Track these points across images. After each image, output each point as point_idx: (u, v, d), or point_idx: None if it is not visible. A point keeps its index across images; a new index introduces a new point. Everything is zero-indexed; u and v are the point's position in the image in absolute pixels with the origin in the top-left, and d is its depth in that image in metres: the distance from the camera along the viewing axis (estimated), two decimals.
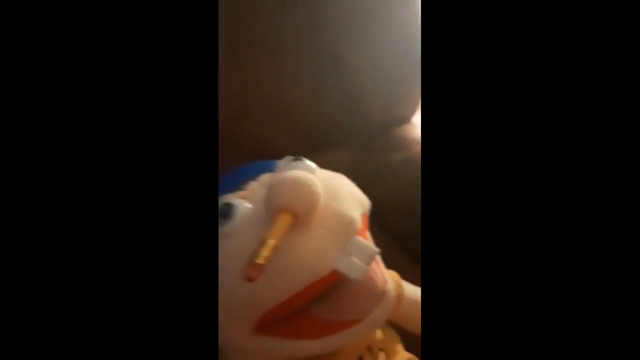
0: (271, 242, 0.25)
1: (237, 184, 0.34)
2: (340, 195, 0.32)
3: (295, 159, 0.35)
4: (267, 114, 0.57)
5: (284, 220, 0.27)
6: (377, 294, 0.30)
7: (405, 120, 0.72)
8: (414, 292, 0.46)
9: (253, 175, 0.35)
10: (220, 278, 0.28)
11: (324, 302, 0.30)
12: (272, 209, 0.28)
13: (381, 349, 0.39)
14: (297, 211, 0.28)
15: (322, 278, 0.28)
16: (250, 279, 0.24)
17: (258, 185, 0.34)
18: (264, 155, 0.62)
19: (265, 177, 0.35)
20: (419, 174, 0.60)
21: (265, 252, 0.25)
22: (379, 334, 0.39)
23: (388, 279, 0.32)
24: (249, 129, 0.57)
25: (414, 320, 0.44)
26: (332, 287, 0.30)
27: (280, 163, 0.36)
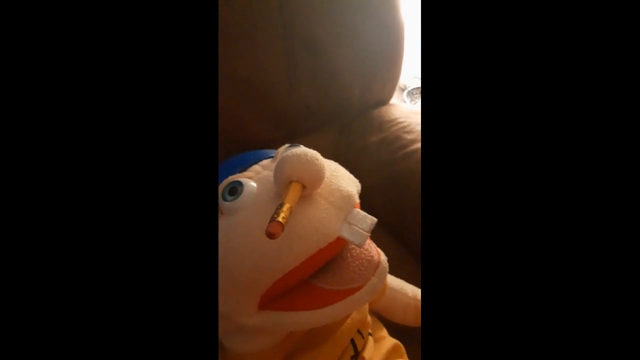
0: (288, 205, 0.27)
1: (240, 168, 0.36)
2: (339, 174, 0.35)
3: (292, 146, 0.37)
4: (241, 97, 0.56)
5: (295, 189, 0.29)
6: (374, 262, 0.32)
7: (383, 101, 0.72)
8: (396, 282, 0.47)
9: (255, 160, 0.37)
10: (229, 254, 0.30)
11: (324, 273, 0.32)
12: (282, 181, 0.30)
13: (370, 334, 0.40)
14: (305, 182, 0.30)
15: (329, 245, 0.30)
16: (272, 236, 0.26)
17: (260, 168, 0.36)
18: (240, 138, 0.62)
19: (266, 162, 0.37)
20: (396, 154, 0.62)
21: (284, 213, 0.27)
22: (368, 318, 0.41)
23: (381, 251, 0.34)
24: (223, 113, 0.56)
25: (396, 309, 0.46)
26: (332, 259, 0.32)
27: (279, 150, 0.38)
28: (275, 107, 0.59)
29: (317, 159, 0.30)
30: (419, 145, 0.59)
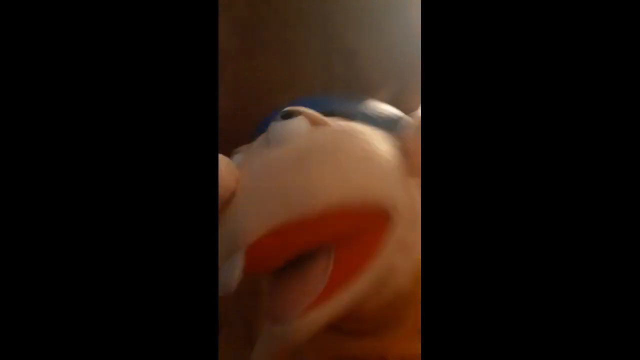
0: None
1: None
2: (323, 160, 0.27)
3: (286, 115, 0.30)
4: (275, 104, 0.57)
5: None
6: (308, 299, 0.25)
7: (408, 113, 0.72)
8: None
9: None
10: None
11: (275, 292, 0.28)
12: None
13: None
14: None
15: None
16: None
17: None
18: None
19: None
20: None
21: None
22: (397, 348, 0.31)
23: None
24: (255, 119, 0.57)
25: None
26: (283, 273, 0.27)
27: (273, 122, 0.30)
28: None
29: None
30: None
